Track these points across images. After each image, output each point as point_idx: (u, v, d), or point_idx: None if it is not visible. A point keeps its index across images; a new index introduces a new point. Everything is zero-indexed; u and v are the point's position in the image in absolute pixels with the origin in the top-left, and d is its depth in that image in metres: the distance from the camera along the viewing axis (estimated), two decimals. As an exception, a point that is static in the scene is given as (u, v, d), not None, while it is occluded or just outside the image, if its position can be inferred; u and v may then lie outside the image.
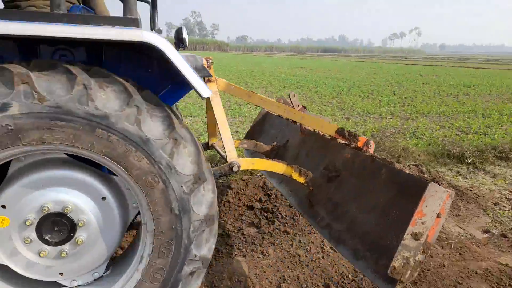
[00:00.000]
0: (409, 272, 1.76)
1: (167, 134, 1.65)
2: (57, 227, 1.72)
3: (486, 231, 3.55)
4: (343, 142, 2.53)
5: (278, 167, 2.48)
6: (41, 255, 1.72)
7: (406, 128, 7.51)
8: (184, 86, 2.01)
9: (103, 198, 1.78)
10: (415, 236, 1.76)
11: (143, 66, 1.94)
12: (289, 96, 2.85)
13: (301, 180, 2.53)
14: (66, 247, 1.74)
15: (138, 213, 1.86)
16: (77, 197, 1.73)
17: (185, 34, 2.79)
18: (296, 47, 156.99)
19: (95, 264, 1.84)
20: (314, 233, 3.29)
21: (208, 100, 2.67)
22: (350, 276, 2.74)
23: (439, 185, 1.75)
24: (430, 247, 1.78)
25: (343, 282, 2.69)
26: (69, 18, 1.58)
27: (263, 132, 3.80)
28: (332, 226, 2.28)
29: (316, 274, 2.76)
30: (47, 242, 1.72)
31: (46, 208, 1.68)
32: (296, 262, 2.90)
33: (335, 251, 3.01)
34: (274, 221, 3.49)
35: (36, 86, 1.49)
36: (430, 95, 12.55)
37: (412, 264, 1.76)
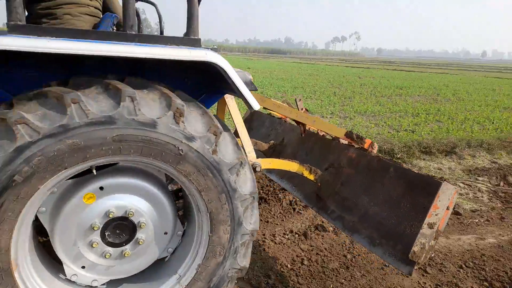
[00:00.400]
0: (424, 255, 2.13)
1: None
2: None
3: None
4: (345, 143, 2.83)
5: (292, 166, 2.73)
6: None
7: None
8: (215, 96, 2.26)
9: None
10: (430, 226, 2.15)
11: (180, 77, 2.09)
12: (295, 100, 3.09)
13: (311, 177, 2.78)
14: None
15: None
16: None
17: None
18: (243, 47, 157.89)
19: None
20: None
21: (221, 103, 2.77)
22: (289, 266, 2.97)
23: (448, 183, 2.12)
24: (440, 234, 2.14)
25: (282, 271, 2.91)
26: (140, 38, 1.71)
27: (252, 129, 3.97)
28: (344, 218, 2.59)
29: (257, 266, 2.94)
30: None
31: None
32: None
33: (275, 243, 3.26)
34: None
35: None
36: (367, 96, 13.57)
37: (427, 248, 2.14)
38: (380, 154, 2.67)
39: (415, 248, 2.12)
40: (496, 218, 4.10)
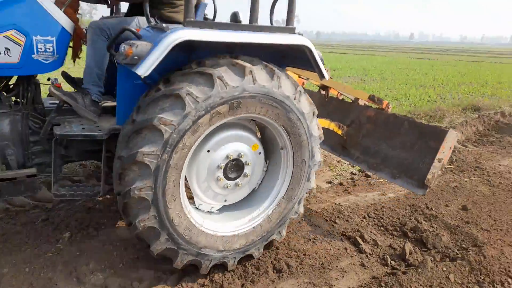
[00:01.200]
0: (433, 181, 3.08)
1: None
2: None
3: (329, 182, 4.53)
4: (362, 104, 3.65)
5: (325, 123, 3.46)
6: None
7: None
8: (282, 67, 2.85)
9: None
10: (439, 160, 3.06)
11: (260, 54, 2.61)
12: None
13: (339, 132, 3.55)
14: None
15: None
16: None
17: (240, 18, 3.37)
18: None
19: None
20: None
21: None
22: None
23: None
24: (444, 166, 3.08)
25: None
26: (262, 29, 2.38)
27: None
28: (368, 161, 3.43)
29: None
30: None
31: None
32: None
33: None
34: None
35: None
36: None
37: (436, 176, 3.09)
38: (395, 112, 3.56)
39: (429, 176, 3.03)
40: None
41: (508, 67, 22.07)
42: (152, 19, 2.36)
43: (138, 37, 2.25)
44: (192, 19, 2.15)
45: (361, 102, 3.78)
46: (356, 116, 3.71)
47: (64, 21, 2.48)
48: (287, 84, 2.41)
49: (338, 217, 3.60)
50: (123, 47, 2.13)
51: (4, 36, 2.24)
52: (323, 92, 3.98)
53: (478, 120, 7.78)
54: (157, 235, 2.26)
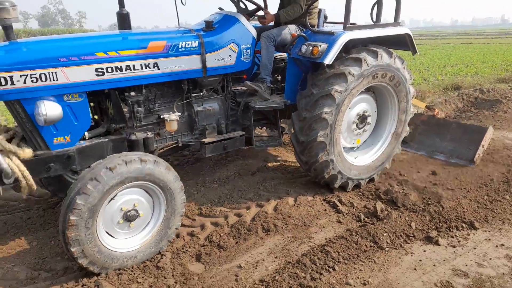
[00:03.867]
0: (478, 160, 4.56)
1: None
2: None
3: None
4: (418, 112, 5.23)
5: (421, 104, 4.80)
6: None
7: None
8: None
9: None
10: (482, 146, 4.56)
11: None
12: None
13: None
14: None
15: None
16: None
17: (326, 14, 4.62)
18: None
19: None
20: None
21: None
22: (216, 200, 3.96)
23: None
24: (485, 150, 4.69)
25: (211, 205, 4.00)
26: (385, 25, 3.77)
27: None
28: (426, 150, 4.98)
29: (191, 203, 3.23)
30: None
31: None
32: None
33: (206, 187, 4.41)
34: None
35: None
36: None
37: (480, 156, 4.57)
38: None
39: (476, 156, 4.50)
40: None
41: (494, 47, 22.48)
42: (295, 26, 3.95)
43: (307, 39, 3.58)
44: (349, 25, 3.51)
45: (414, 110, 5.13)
46: (412, 121, 4.76)
47: (254, 32, 3.66)
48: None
49: (321, 186, 4.03)
50: (306, 47, 3.47)
51: (228, 48, 3.46)
52: None
53: (458, 98, 8.24)
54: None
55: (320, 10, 4.31)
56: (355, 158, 4.00)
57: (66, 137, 2.75)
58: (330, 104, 3.39)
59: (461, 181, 4.13)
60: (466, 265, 2.75)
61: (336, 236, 3.09)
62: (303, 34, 3.67)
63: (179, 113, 3.39)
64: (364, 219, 3.38)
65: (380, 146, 4.13)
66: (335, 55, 3.35)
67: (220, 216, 3.45)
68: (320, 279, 2.57)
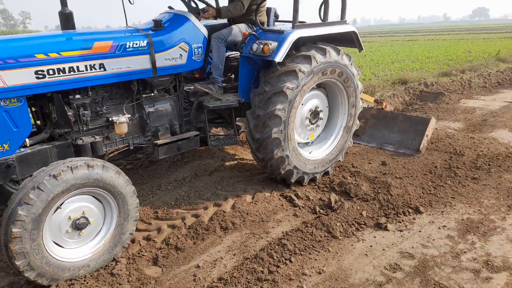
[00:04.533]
0: (423, 149, 4.89)
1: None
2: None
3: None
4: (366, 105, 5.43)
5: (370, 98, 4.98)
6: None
7: None
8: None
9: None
10: (426, 136, 4.91)
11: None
12: None
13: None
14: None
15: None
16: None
17: (278, 13, 4.69)
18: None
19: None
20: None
21: None
22: (173, 203, 3.82)
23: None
24: (429, 141, 5.04)
25: (168, 207, 4.25)
26: (332, 23, 3.87)
27: None
28: (374, 141, 5.32)
29: (147, 206, 4.19)
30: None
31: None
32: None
33: (161, 190, 4.44)
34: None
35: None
36: None
37: (425, 145, 4.92)
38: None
39: (421, 146, 4.82)
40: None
41: (438, 43, 23.99)
42: (244, 25, 3.98)
43: (258, 38, 3.60)
44: (298, 24, 3.59)
45: (364, 104, 5.30)
46: (362, 114, 5.21)
47: (205, 31, 3.65)
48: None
49: (278, 182, 4.11)
50: (257, 46, 3.50)
51: (179, 47, 3.41)
52: None
53: (405, 92, 8.71)
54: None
55: (269, 9, 4.39)
56: (310, 153, 4.13)
57: (4, 145, 2.59)
58: (283, 101, 3.47)
59: (408, 170, 4.39)
60: (412, 247, 2.93)
61: (293, 229, 3.16)
62: (254, 32, 3.71)
63: (129, 115, 3.32)
64: (319, 211, 3.49)
65: (333, 140, 4.28)
66: (285, 53, 3.43)
67: (177, 218, 3.41)
68: (277, 271, 2.63)
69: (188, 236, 3.12)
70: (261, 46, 3.48)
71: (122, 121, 3.15)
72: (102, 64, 2.97)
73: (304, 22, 3.98)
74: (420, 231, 3.15)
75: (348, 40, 4.11)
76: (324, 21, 3.88)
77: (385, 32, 49.41)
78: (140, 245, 3.03)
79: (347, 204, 3.42)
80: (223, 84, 3.97)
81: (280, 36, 3.50)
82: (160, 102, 3.62)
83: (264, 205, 3.58)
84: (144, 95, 3.49)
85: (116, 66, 3.06)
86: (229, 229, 3.21)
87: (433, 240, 3.03)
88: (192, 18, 3.58)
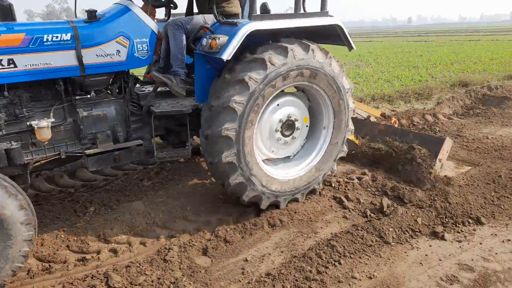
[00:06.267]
0: (436, 173, 3.93)
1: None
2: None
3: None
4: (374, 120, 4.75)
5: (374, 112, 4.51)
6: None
7: None
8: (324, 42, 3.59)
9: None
10: (439, 161, 4.02)
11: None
12: None
13: (357, 142, 4.37)
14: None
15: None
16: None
17: (269, 7, 3.73)
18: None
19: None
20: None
21: None
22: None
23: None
24: (443, 164, 4.11)
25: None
26: (305, 15, 3.13)
27: None
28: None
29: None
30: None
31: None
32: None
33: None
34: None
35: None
36: None
37: (438, 171, 3.99)
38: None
39: (432, 170, 3.89)
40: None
41: (503, 44, 22.21)
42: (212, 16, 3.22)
43: (212, 32, 3.05)
44: (255, 14, 2.97)
45: (372, 119, 4.68)
46: (369, 130, 4.68)
47: (153, 26, 3.16)
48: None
49: (330, 183, 4.02)
50: (207, 40, 2.93)
51: (116, 41, 2.95)
52: None
53: (465, 95, 8.17)
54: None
55: None
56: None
57: None
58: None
59: (469, 178, 4.11)
60: (472, 260, 2.75)
61: (342, 231, 3.10)
62: (207, 26, 3.17)
63: (55, 119, 2.93)
64: (370, 215, 3.39)
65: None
66: (235, 50, 2.80)
67: (225, 213, 3.47)
68: (326, 272, 2.59)
69: (236, 230, 3.17)
70: (210, 41, 2.91)
71: (42, 126, 2.76)
72: (12, 59, 2.60)
73: (269, 12, 3.40)
74: (481, 244, 2.95)
75: (334, 36, 3.37)
76: (297, 12, 3.15)
77: (444, 31, 46.67)
78: (190, 234, 3.13)
79: (401, 210, 3.28)
80: (187, 80, 3.38)
81: (232, 29, 2.88)
82: (99, 106, 3.17)
83: (312, 205, 3.54)
84: (77, 97, 3.07)
85: (30, 62, 2.68)
86: (276, 226, 3.22)
87: (496, 254, 2.82)
88: (136, 9, 3.08)
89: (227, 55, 2.78)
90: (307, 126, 3.53)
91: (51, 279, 2.62)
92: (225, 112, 2.86)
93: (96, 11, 2.97)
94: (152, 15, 3.39)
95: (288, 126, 3.36)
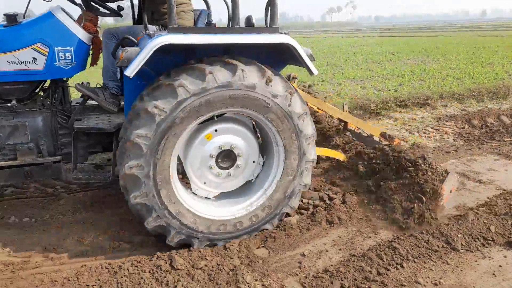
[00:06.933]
0: (443, 205, 3.20)
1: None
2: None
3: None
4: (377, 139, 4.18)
5: (339, 155, 4.01)
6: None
7: (334, 91, 8.39)
8: (279, 67, 3.04)
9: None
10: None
11: (254, 54, 2.78)
12: (342, 105, 4.51)
13: (342, 157, 4.05)
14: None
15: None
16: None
17: (253, 21, 2.93)
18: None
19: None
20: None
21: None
22: None
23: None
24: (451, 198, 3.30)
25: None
26: (244, 30, 2.62)
27: None
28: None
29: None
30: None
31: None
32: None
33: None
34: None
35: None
36: (358, 63, 13.65)
37: (443, 206, 3.22)
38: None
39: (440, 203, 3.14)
40: (452, 151, 4.91)
41: None
42: (155, 28, 2.93)
43: (136, 44, 2.73)
44: (175, 26, 2.51)
45: (376, 138, 4.27)
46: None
47: (81, 34, 2.94)
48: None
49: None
50: (118, 52, 2.60)
51: (32, 48, 2.76)
52: (341, 124, 4.60)
53: None
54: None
55: (201, 12, 3.54)
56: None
57: None
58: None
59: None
60: (556, 276, 2.48)
61: (405, 234, 2.97)
62: (129, 36, 2.82)
63: None
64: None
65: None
66: (140, 65, 2.41)
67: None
68: (387, 274, 2.50)
69: (295, 224, 3.17)
70: (119, 53, 2.59)
71: None
72: None
73: (253, 26, 2.81)
74: None
75: (294, 56, 2.77)
76: (233, 26, 2.72)
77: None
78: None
79: (472, 216, 3.06)
80: (119, 93, 3.14)
81: (146, 41, 2.49)
82: (20, 116, 2.98)
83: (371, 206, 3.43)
84: None
85: None
86: (334, 223, 3.17)
87: None
88: (60, 14, 2.86)
89: (131, 71, 2.41)
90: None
91: (122, 257, 2.83)
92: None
93: (17, 15, 2.83)
94: (91, 22, 3.10)
95: (227, 156, 2.83)
